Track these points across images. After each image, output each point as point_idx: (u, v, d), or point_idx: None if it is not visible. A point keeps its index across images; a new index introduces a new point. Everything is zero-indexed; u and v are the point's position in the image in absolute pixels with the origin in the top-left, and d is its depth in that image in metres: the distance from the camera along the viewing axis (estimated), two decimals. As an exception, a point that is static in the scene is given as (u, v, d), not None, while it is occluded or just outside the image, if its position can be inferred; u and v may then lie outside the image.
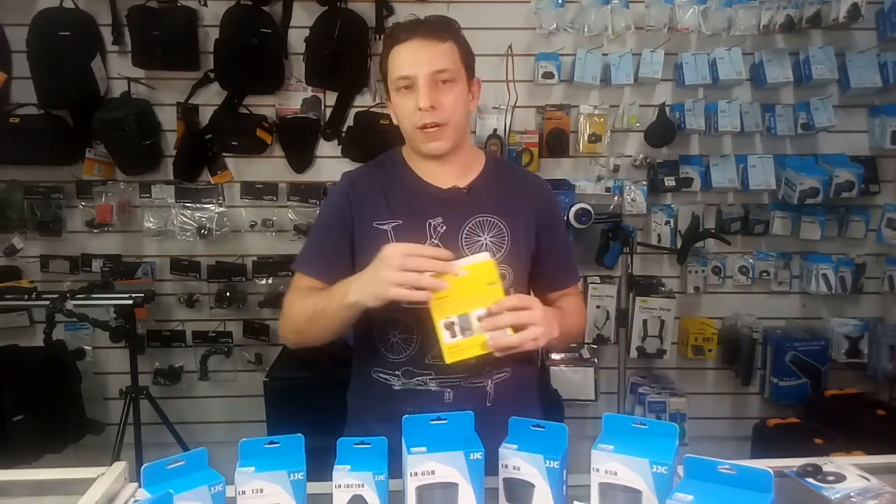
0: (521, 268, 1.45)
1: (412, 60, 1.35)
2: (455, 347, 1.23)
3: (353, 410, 1.54)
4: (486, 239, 1.40)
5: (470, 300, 1.22)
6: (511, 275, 1.41)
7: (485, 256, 1.24)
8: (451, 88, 1.37)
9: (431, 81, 1.35)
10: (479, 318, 1.22)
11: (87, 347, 2.83)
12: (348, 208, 1.44)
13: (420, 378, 1.41)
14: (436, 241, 1.39)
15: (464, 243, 1.39)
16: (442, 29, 1.38)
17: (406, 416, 1.08)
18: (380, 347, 1.43)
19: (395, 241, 1.37)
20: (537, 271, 1.50)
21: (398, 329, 1.41)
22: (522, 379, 1.49)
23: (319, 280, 1.42)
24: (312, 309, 1.35)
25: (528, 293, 1.48)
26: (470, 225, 1.41)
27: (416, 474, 1.02)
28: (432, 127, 1.36)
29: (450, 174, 1.45)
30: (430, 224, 1.40)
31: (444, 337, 1.23)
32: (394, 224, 1.40)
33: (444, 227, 1.40)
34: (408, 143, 1.46)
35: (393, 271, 1.19)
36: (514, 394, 1.45)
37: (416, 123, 1.37)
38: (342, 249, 1.43)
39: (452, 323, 1.22)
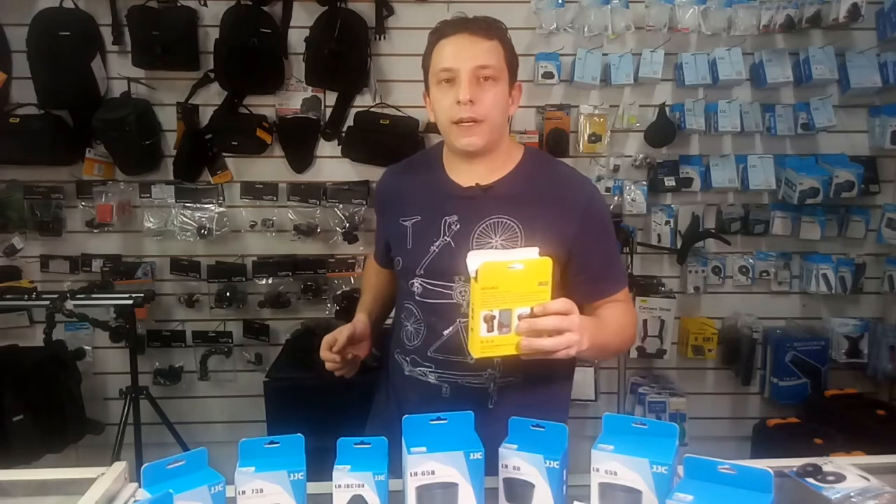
0: None
1: (456, 54, 1.35)
2: (488, 343, 1.14)
3: (379, 386, 1.62)
4: (497, 241, 1.38)
5: (516, 296, 1.13)
6: None
7: (535, 252, 1.16)
8: (492, 86, 1.36)
9: (473, 77, 1.34)
10: (521, 317, 1.14)
11: (87, 347, 2.83)
12: (381, 204, 1.60)
13: (422, 369, 1.44)
14: (448, 239, 1.40)
15: (475, 244, 1.38)
16: (489, 27, 1.38)
17: (406, 416, 1.09)
18: (402, 330, 1.49)
19: (411, 236, 1.45)
20: (571, 280, 1.39)
21: (412, 319, 1.46)
22: (538, 391, 1.43)
23: (375, 260, 1.68)
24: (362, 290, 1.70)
25: None
26: (483, 225, 1.39)
27: (416, 474, 1.02)
28: (469, 122, 1.35)
29: (476, 173, 1.42)
30: (445, 222, 1.41)
31: (480, 329, 1.13)
32: (413, 220, 1.45)
33: (458, 226, 1.40)
34: (444, 138, 1.45)
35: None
36: (523, 402, 1.38)
37: (452, 118, 1.35)
38: (381, 239, 1.60)
39: (493, 316, 1.13)
